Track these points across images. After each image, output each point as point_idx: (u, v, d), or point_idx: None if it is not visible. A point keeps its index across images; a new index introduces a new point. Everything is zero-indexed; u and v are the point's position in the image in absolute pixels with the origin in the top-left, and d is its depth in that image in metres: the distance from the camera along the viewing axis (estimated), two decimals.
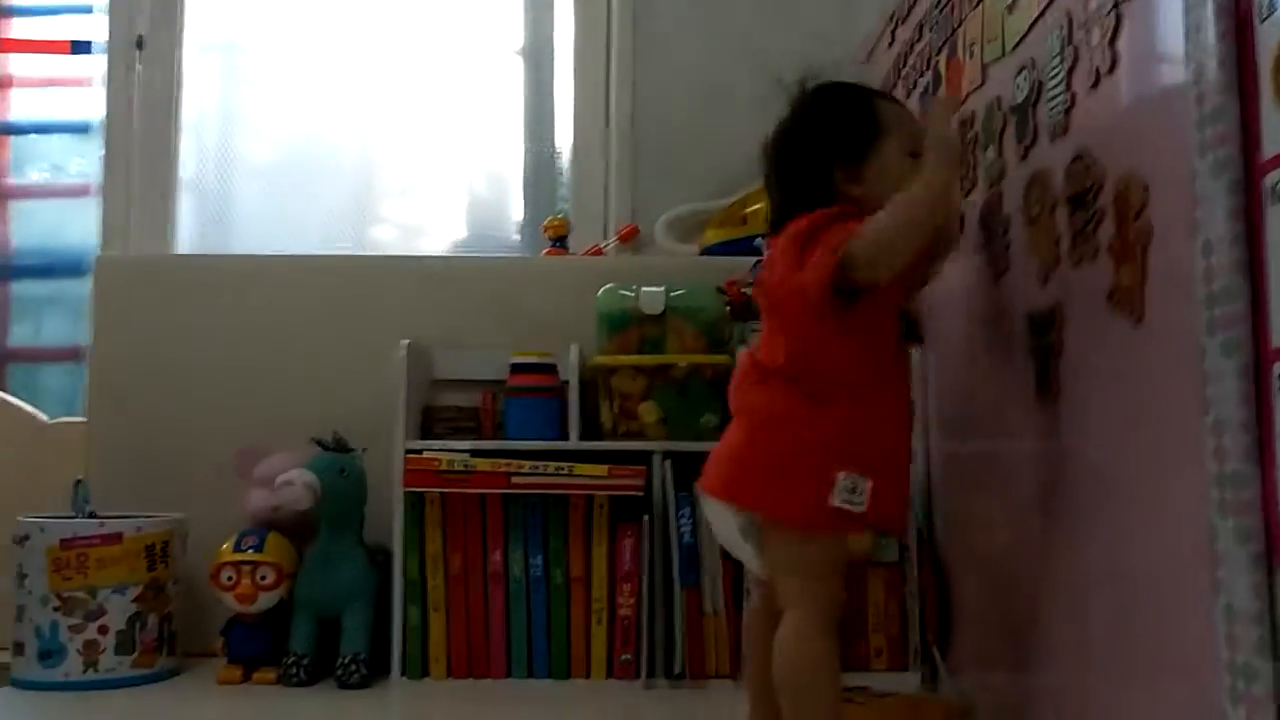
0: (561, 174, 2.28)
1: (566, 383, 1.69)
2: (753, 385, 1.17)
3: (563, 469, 1.58)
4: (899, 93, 1.72)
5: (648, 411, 1.69)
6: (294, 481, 1.51)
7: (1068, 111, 1.08)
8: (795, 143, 1.21)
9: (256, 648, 1.57)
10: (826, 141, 1.18)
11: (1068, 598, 1.09)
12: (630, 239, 2.08)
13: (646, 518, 1.58)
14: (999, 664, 1.31)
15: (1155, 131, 0.91)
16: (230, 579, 1.55)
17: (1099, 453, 1.01)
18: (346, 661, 1.52)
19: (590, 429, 1.69)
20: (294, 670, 1.53)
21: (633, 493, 1.59)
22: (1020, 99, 1.20)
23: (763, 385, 1.14)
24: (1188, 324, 0.83)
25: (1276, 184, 0.75)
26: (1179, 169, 0.85)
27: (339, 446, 1.62)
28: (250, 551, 1.56)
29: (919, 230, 1.11)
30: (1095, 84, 1.02)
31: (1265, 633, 0.75)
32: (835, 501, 1.08)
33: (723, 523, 1.16)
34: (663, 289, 1.71)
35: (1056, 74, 1.10)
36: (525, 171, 2.29)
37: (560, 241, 2.06)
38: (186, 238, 2.20)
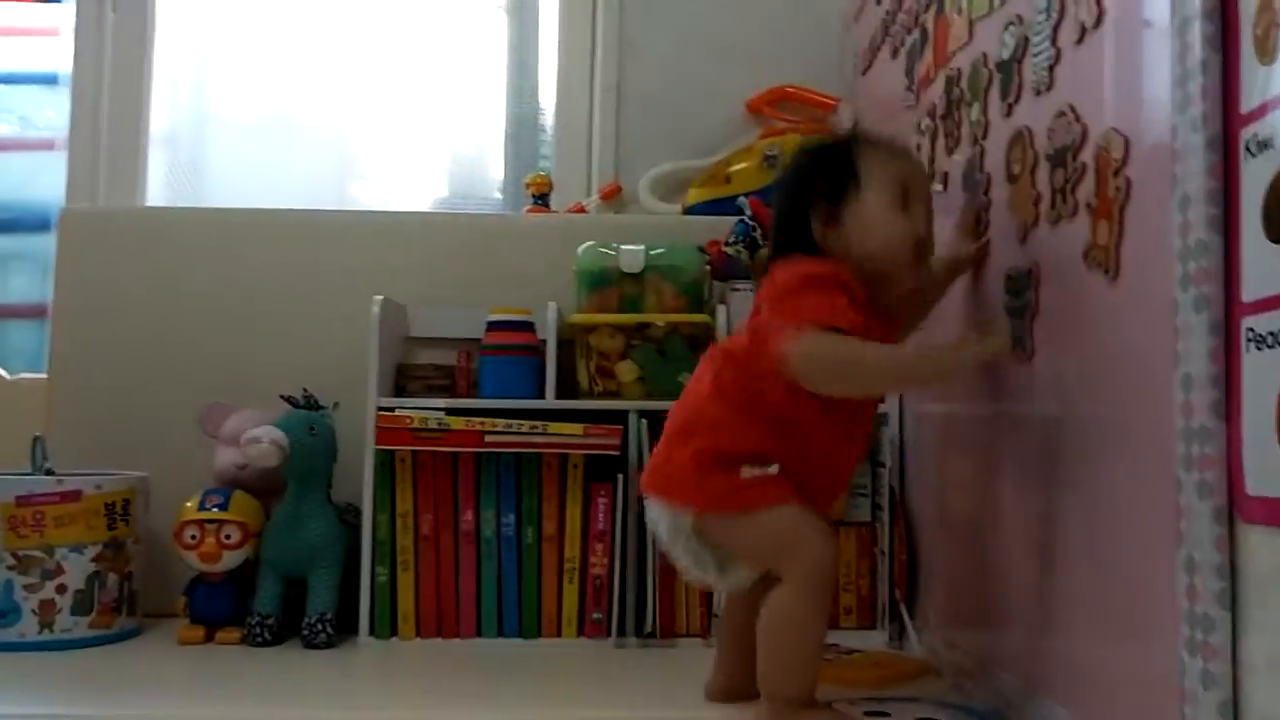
0: (544, 131, 2.25)
1: (544, 341, 1.67)
2: (700, 376, 1.21)
3: (537, 428, 1.56)
4: (885, 51, 1.70)
5: (625, 370, 1.67)
6: (261, 439, 1.49)
7: (1052, 68, 1.06)
8: (782, 192, 1.24)
9: (220, 608, 1.55)
10: (807, 190, 1.19)
11: (1036, 555, 1.09)
12: (612, 197, 2.06)
13: (621, 477, 1.57)
14: (966, 622, 1.31)
15: (1138, 87, 0.90)
16: (194, 538, 1.53)
17: (1072, 411, 1.01)
18: (313, 621, 1.51)
19: (567, 388, 1.68)
20: (258, 630, 1.51)
21: (609, 452, 1.57)
22: (1006, 55, 1.18)
23: (708, 379, 1.18)
24: (1162, 280, 0.82)
25: (1252, 139, 0.74)
26: (1159, 124, 0.84)
27: (308, 404, 1.60)
28: (215, 510, 1.54)
29: (883, 386, 1.18)
30: (1080, 39, 1.00)
31: (1225, 585, 0.75)
32: (744, 475, 1.12)
33: (660, 523, 1.18)
34: (642, 248, 1.69)
35: (1042, 29, 1.08)
36: (507, 128, 2.27)
37: (542, 199, 2.04)
38: (158, 194, 2.16)
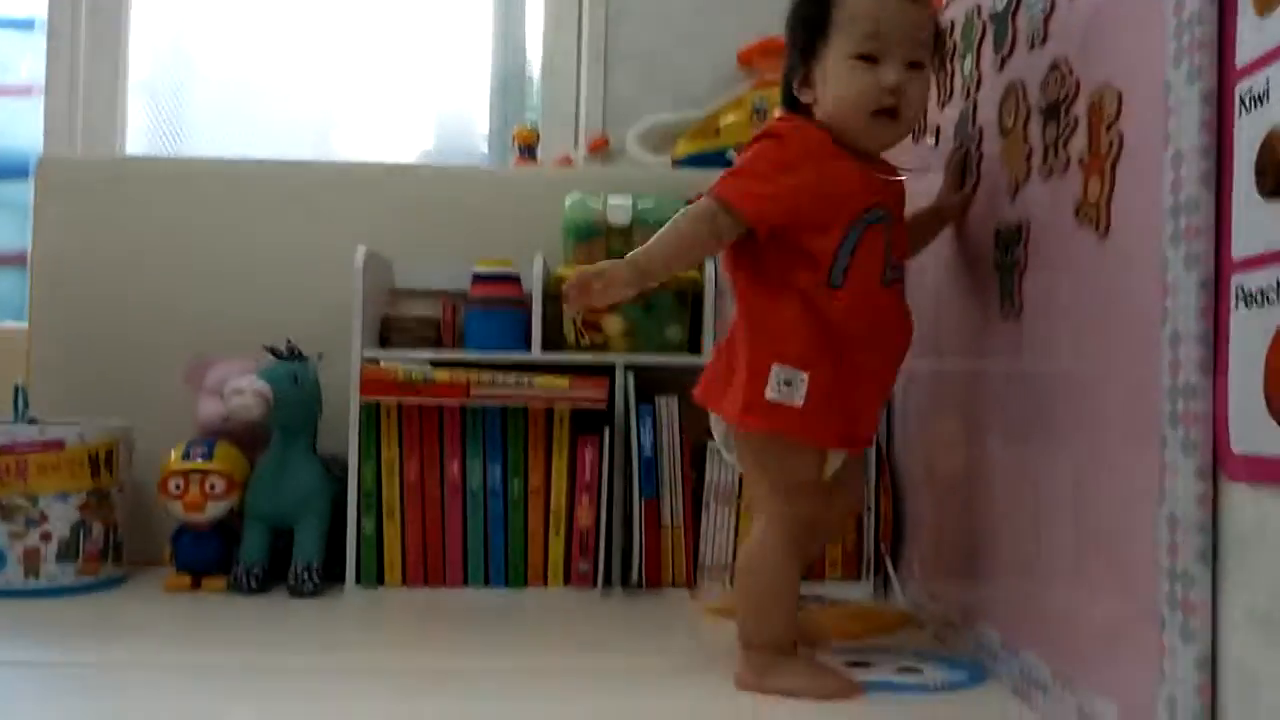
0: (532, 83, 2.22)
1: (530, 294, 1.66)
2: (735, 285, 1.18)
3: (523, 381, 1.56)
4: None
5: (612, 324, 1.67)
6: (244, 390, 1.48)
7: (1047, 19, 1.05)
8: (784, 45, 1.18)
9: (205, 556, 1.55)
10: (789, 46, 1.16)
11: (1019, 510, 1.09)
12: (600, 149, 2.04)
13: (607, 429, 1.58)
14: (949, 575, 1.33)
15: (1133, 39, 0.89)
16: (178, 487, 1.53)
17: (1059, 367, 1.01)
18: (299, 570, 1.51)
19: (553, 341, 1.67)
20: (244, 579, 1.51)
21: (595, 405, 1.57)
22: (1000, 7, 1.17)
23: (738, 285, 1.16)
24: (1152, 236, 0.82)
25: (1247, 93, 0.73)
26: (1154, 78, 0.83)
27: (292, 354, 1.59)
28: (199, 460, 1.53)
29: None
30: None
31: (1207, 542, 0.76)
32: (770, 394, 1.09)
33: (717, 430, 1.20)
34: (630, 200, 1.67)
35: None
36: (494, 80, 2.23)
37: (529, 151, 2.01)
38: (138, 142, 2.13)
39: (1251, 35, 0.73)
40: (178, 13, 2.18)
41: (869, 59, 1.08)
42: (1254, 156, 0.72)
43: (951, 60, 1.31)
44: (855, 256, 1.09)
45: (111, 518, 1.56)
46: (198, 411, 1.64)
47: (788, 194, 1.08)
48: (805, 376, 1.08)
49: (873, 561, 1.56)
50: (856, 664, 1.18)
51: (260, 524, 1.55)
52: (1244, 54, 0.74)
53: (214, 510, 1.54)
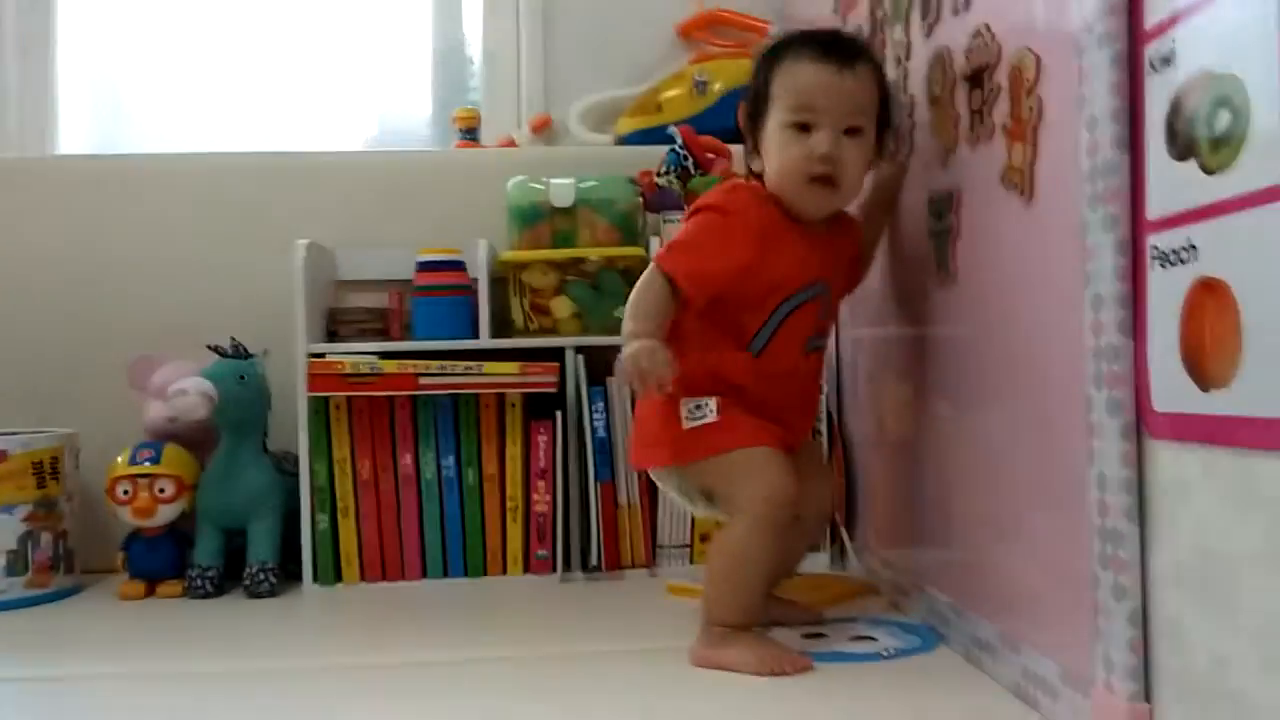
0: (472, 63, 2.19)
1: (476, 280, 1.64)
2: None
3: (473, 368, 1.55)
4: None
5: (560, 306, 1.66)
6: (188, 390, 1.47)
7: None
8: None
9: (159, 562, 1.53)
10: (743, 117, 1.20)
11: (965, 476, 1.10)
12: (543, 129, 2.02)
13: (560, 414, 1.57)
14: (901, 542, 1.34)
15: (1047, 4, 0.89)
16: (127, 493, 1.51)
17: (994, 332, 1.02)
18: (254, 571, 1.50)
19: (501, 326, 1.66)
20: (199, 583, 1.50)
21: (546, 389, 1.57)
22: None
23: None
24: (1072, 200, 0.82)
25: (1155, 54, 0.73)
26: (1068, 43, 0.83)
27: (237, 353, 1.57)
28: (146, 464, 1.52)
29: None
30: None
31: (1133, 500, 0.77)
32: (686, 424, 1.14)
33: (668, 485, 1.23)
34: (573, 180, 1.66)
35: None
36: (433, 62, 2.20)
37: (470, 134, 1.99)
38: (75, 141, 2.08)
39: None
40: (110, 8, 2.13)
41: (803, 127, 1.11)
42: (1164, 118, 0.72)
43: (883, 28, 1.31)
44: (780, 331, 1.15)
45: (60, 527, 1.54)
46: (144, 413, 1.62)
47: (723, 274, 1.13)
48: (713, 400, 1.14)
49: (829, 531, 1.57)
50: (813, 635, 1.20)
51: (213, 526, 1.54)
52: (1151, 17, 0.74)
53: (165, 514, 1.52)
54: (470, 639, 1.29)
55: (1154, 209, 0.74)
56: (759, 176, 1.18)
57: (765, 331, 1.15)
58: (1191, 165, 0.69)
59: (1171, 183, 0.71)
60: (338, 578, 1.56)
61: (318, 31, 2.16)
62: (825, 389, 1.56)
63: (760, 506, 1.11)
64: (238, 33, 2.14)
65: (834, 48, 1.12)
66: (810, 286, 1.16)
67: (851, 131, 1.12)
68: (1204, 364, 0.69)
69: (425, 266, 1.66)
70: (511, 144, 2.00)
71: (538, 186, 1.67)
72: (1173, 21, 0.71)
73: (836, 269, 1.21)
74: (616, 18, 2.05)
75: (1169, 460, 0.74)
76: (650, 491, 1.58)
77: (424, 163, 1.93)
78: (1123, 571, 0.77)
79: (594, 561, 1.56)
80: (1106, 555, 0.79)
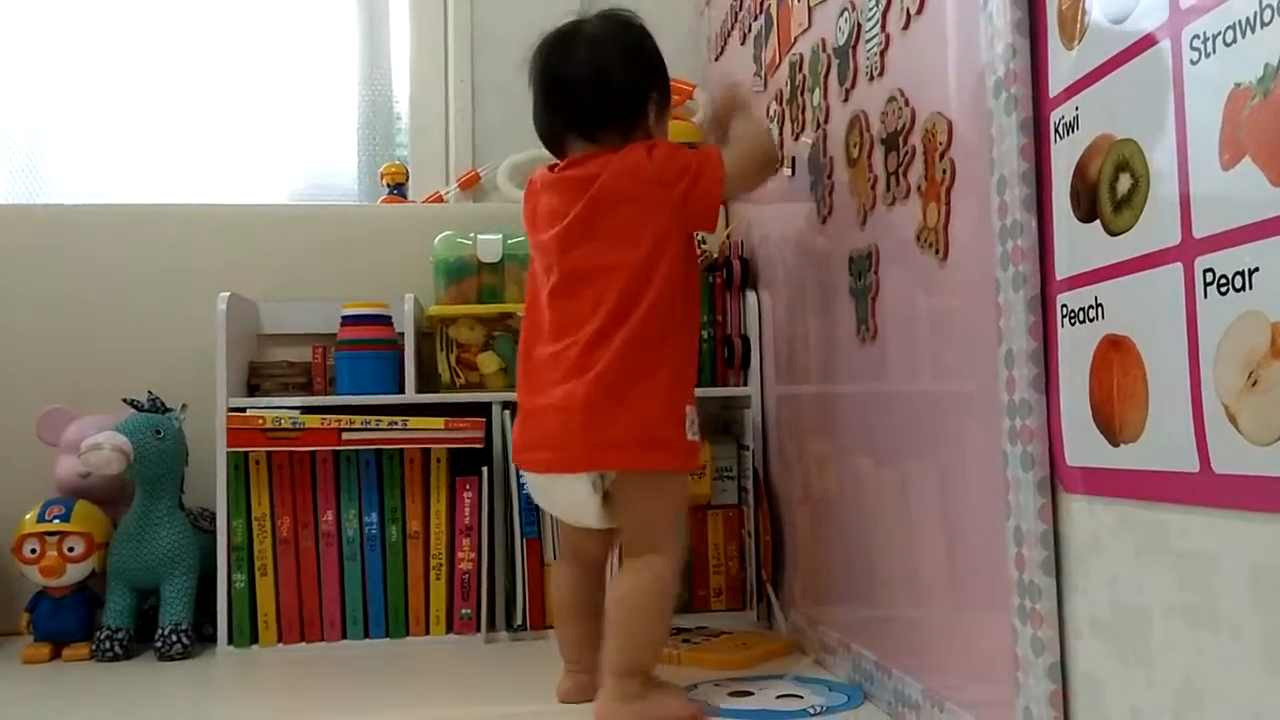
0: (400, 119, 2.19)
1: (402, 334, 1.63)
2: (593, 335, 1.12)
3: (397, 423, 1.53)
4: (735, 36, 1.71)
5: (487, 362, 1.65)
6: (102, 445, 1.42)
7: (883, 53, 1.09)
8: (631, 67, 1.23)
9: (66, 624, 1.47)
10: (654, 79, 1.24)
11: (888, 533, 1.11)
12: (471, 186, 2.03)
13: (486, 469, 1.55)
14: (827, 599, 1.34)
15: (957, 71, 0.92)
16: (34, 551, 1.45)
17: (915, 388, 1.03)
18: (166, 632, 1.44)
19: (428, 381, 1.64)
20: (108, 645, 1.44)
21: (472, 445, 1.55)
22: (842, 41, 1.20)
23: (610, 330, 1.11)
24: (984, 259, 0.84)
25: (1060, 121, 0.76)
26: (977, 108, 0.86)
27: (154, 406, 1.53)
28: (56, 521, 1.46)
29: (768, 168, 1.25)
30: (906, 25, 1.03)
31: (1049, 554, 0.78)
32: (690, 435, 1.14)
33: (568, 494, 1.15)
34: (500, 236, 1.66)
35: (873, 15, 1.10)
36: (361, 117, 2.20)
37: (398, 189, 1.99)
38: None
39: (1061, 66, 0.76)
40: (33, 55, 2.09)
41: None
42: (1069, 182, 0.75)
43: (802, 93, 1.34)
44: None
45: None
46: (55, 468, 1.56)
47: None
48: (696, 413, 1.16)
49: (755, 590, 1.57)
50: (739, 694, 1.19)
51: (124, 585, 1.48)
52: (1056, 84, 0.77)
53: (73, 574, 1.47)
54: (390, 702, 1.25)
55: (1062, 268, 0.76)
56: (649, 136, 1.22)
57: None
58: (1096, 226, 0.72)
59: (1078, 243, 0.74)
60: (254, 639, 1.51)
61: (245, 83, 2.15)
62: (751, 446, 1.58)
63: (677, 552, 1.15)
64: (163, 83, 2.12)
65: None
66: None
67: None
68: (1113, 419, 0.70)
69: (350, 320, 1.64)
70: (440, 200, 2.00)
71: (465, 242, 1.67)
72: (1076, 89, 0.74)
73: None
74: None
75: (1083, 514, 0.76)
76: None
77: (350, 217, 1.92)
78: (1040, 626, 0.78)
79: (519, 620, 1.54)
80: (1025, 609, 0.80)
